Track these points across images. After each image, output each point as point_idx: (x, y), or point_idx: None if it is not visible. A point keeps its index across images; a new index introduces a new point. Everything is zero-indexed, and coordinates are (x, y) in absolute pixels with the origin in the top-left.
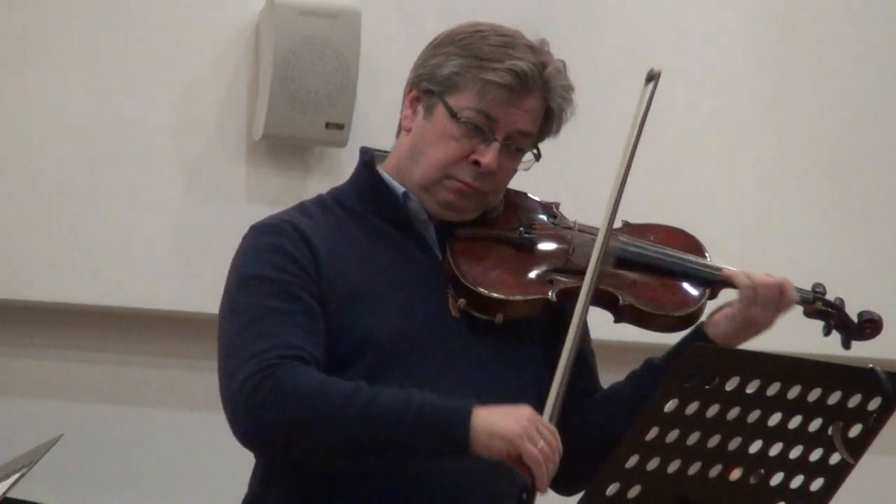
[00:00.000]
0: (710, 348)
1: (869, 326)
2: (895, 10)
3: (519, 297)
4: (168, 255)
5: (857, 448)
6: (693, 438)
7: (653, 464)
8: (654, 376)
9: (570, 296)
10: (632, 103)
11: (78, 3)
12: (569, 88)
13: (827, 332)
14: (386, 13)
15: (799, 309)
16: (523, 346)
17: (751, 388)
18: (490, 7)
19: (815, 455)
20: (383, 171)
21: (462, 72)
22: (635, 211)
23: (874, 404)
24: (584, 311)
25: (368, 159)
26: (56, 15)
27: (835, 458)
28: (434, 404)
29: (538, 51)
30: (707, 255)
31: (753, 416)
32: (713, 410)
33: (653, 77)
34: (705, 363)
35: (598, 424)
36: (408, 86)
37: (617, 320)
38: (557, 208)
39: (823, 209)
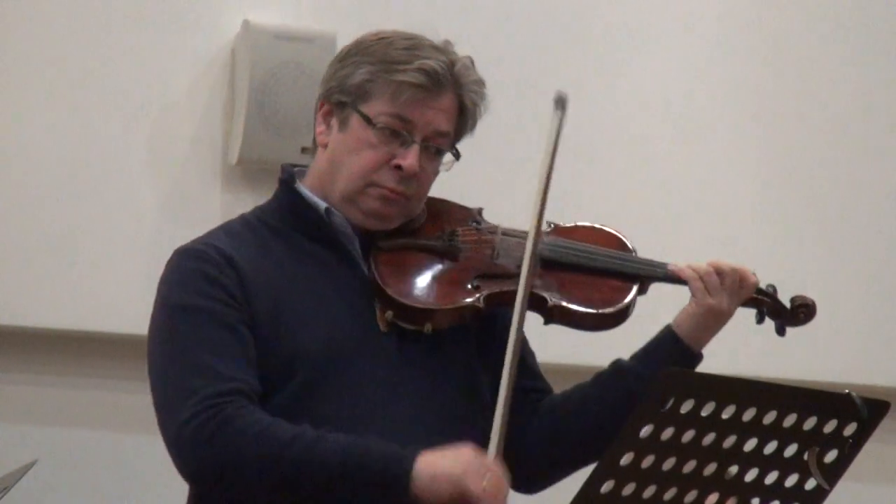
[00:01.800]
0: (684, 373)
1: (803, 311)
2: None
3: (445, 306)
4: (143, 280)
5: (832, 474)
6: (668, 464)
7: (628, 489)
8: (622, 377)
9: (497, 300)
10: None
11: (52, 26)
12: (480, 83)
13: (760, 320)
14: None
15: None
16: (457, 354)
17: (726, 414)
18: (464, 30)
19: (791, 481)
20: (304, 187)
21: (373, 78)
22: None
23: (850, 430)
24: (517, 341)
25: (287, 177)
26: (29, 38)
27: (810, 484)
28: (377, 452)
29: (444, 50)
30: (634, 253)
31: (729, 441)
32: (688, 436)
33: (560, 100)
34: (680, 388)
35: (559, 422)
36: (318, 101)
37: (547, 322)
38: (481, 214)
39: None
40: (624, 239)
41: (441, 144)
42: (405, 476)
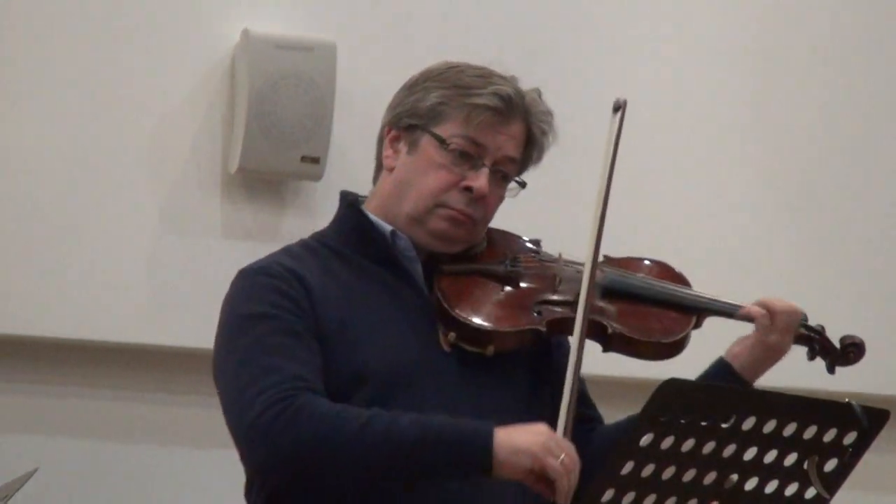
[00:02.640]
0: (684, 382)
1: (852, 350)
2: (869, 39)
3: (509, 328)
4: (143, 289)
5: (832, 483)
6: (668, 473)
7: (628, 498)
8: None
9: (559, 326)
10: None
11: (51, 36)
12: (549, 114)
13: (811, 357)
14: (361, 46)
15: None
16: (515, 377)
17: (726, 423)
18: (467, 42)
19: (791, 490)
20: (368, 211)
21: (446, 101)
22: (617, 243)
23: (850, 439)
24: (584, 329)
25: (353, 200)
26: (28, 48)
27: (810, 493)
28: (454, 424)
29: (512, 80)
30: (690, 285)
31: (729, 450)
32: (688, 445)
33: (619, 106)
34: (680, 398)
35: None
36: (385, 128)
37: (605, 349)
38: (539, 244)
39: (802, 241)
40: (679, 271)
41: (509, 171)
42: (486, 449)
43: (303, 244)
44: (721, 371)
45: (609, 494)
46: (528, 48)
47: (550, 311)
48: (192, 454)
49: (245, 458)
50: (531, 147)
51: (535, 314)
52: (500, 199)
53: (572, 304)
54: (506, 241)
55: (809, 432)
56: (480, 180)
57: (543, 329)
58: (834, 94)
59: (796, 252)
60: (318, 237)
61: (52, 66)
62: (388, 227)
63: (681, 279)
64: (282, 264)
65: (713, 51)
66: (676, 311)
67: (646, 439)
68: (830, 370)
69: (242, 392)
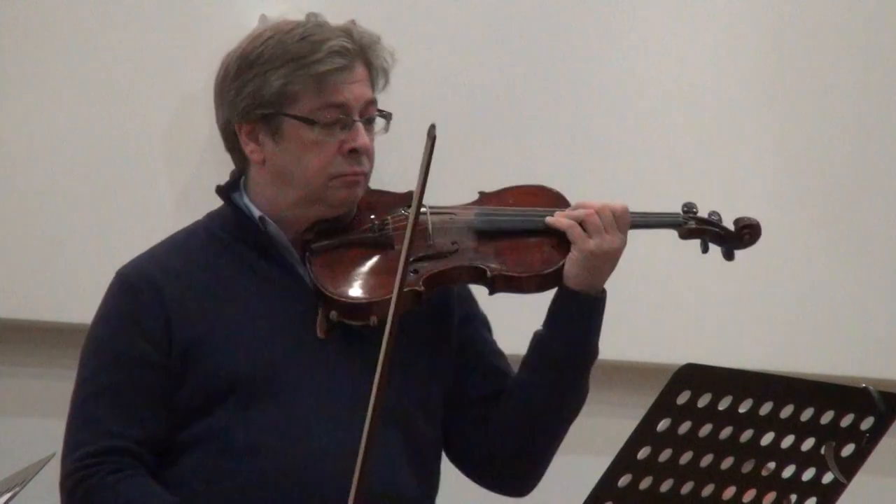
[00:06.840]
0: (701, 367)
1: (747, 232)
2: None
3: (385, 297)
4: None
5: (849, 468)
6: (686, 458)
7: (645, 483)
8: (536, 351)
9: (438, 280)
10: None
11: (70, 20)
12: (377, 38)
13: (704, 249)
14: (378, 32)
15: (692, 240)
16: (408, 346)
17: (743, 408)
18: (482, 24)
19: (808, 474)
20: (244, 198)
21: (290, 80)
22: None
23: (867, 424)
24: (396, 318)
25: (225, 188)
26: (48, 32)
27: (827, 478)
28: None
29: (325, 25)
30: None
31: (746, 435)
32: (706, 430)
33: (431, 134)
34: (697, 382)
35: (505, 416)
36: (233, 125)
37: (491, 292)
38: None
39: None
40: (556, 193)
41: (374, 113)
42: None
43: (192, 230)
44: (562, 296)
45: (626, 479)
46: (542, 30)
47: (425, 267)
48: None
49: None
50: (376, 77)
51: (412, 274)
52: (373, 139)
53: (448, 256)
54: (376, 203)
55: (826, 417)
56: (361, 138)
57: (422, 288)
58: (845, 82)
59: (815, 237)
60: (208, 221)
61: (69, 53)
62: (256, 213)
63: (560, 199)
64: (146, 274)
65: (731, 38)
66: (553, 237)
67: (663, 424)
68: (727, 256)
69: (66, 440)
